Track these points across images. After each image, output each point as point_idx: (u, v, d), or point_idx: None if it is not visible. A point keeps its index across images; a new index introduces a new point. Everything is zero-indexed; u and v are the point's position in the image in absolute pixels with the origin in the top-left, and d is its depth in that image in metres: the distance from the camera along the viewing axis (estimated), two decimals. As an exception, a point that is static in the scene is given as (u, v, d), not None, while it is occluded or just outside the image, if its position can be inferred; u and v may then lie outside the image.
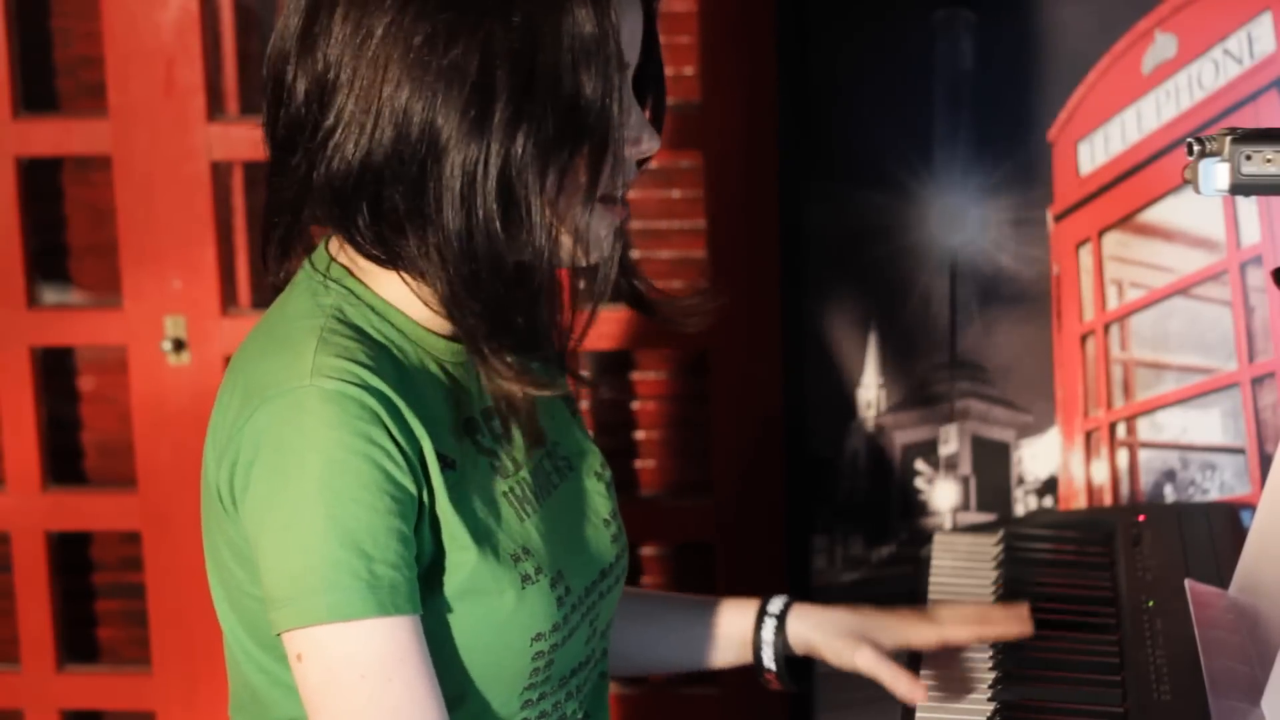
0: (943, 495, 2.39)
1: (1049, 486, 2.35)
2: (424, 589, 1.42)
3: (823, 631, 1.73)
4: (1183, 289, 2.27)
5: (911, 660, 1.74)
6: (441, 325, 1.48)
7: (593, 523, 1.60)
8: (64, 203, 2.94)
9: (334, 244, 1.50)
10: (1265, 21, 2.21)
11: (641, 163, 1.52)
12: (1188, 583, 1.78)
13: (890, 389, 2.39)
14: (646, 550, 2.89)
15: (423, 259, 1.41)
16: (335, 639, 1.37)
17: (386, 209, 1.40)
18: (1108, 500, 2.32)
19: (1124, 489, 2.31)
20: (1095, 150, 2.29)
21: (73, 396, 2.97)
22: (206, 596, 2.87)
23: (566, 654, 1.52)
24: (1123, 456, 2.31)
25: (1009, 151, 2.31)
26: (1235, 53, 2.22)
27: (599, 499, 1.63)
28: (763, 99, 2.55)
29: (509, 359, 1.43)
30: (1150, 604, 1.83)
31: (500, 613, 1.45)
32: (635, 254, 1.62)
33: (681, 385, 2.86)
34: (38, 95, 2.85)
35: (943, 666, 1.76)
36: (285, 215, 1.47)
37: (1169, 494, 2.30)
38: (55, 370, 2.92)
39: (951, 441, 2.38)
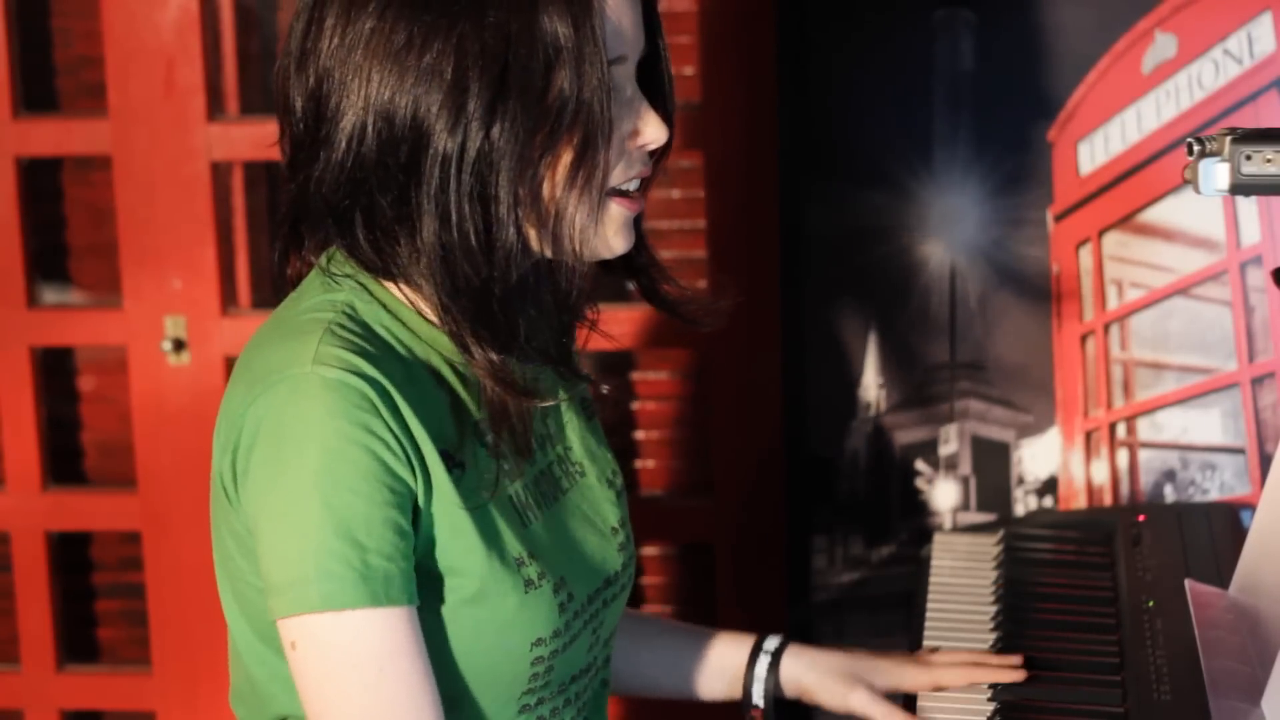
0: (943, 495, 2.39)
1: (1049, 486, 2.35)
2: (425, 590, 1.42)
3: (817, 672, 1.73)
4: (1183, 289, 2.27)
5: (905, 701, 1.74)
6: None
7: (600, 530, 1.60)
8: (64, 203, 2.94)
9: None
10: (1265, 21, 2.21)
11: (660, 156, 1.53)
12: (1188, 583, 1.79)
13: (890, 389, 2.39)
14: (647, 550, 2.89)
15: (413, 265, 1.42)
16: (328, 628, 1.37)
17: (377, 216, 1.42)
18: (1108, 500, 2.32)
19: (1124, 489, 2.31)
20: (1095, 150, 2.29)
21: (73, 396, 2.97)
22: (206, 596, 2.88)
23: (567, 660, 1.52)
24: (1123, 456, 2.31)
25: (1009, 151, 2.31)
26: (1235, 53, 2.22)
27: (608, 506, 1.63)
28: (763, 99, 2.55)
29: (497, 362, 1.43)
30: (1150, 604, 1.83)
31: (502, 617, 1.45)
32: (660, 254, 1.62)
33: (681, 385, 2.86)
34: (38, 95, 2.85)
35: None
36: (289, 228, 1.50)
37: (1169, 494, 2.30)
38: (55, 370, 2.92)
39: (951, 441, 2.38)
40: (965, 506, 2.38)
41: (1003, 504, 2.37)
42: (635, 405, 2.89)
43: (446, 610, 1.44)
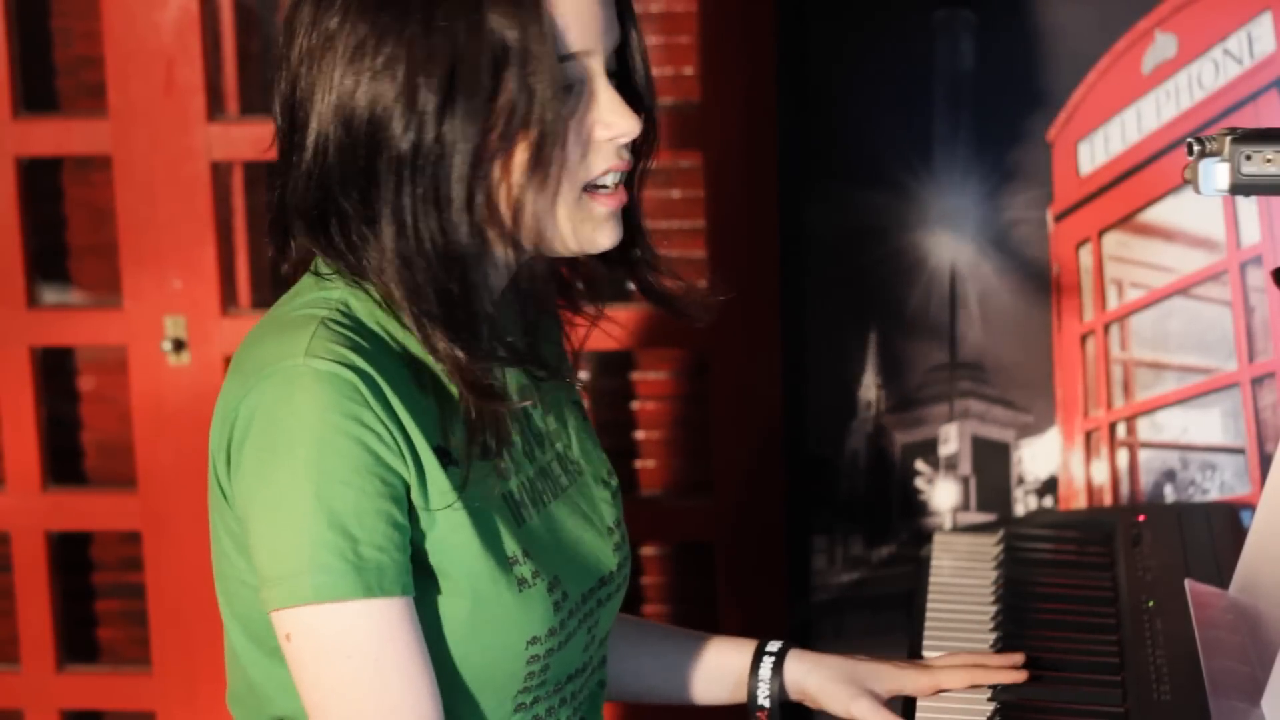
0: (943, 495, 2.39)
1: (1049, 486, 2.35)
2: (419, 587, 1.43)
3: (819, 676, 1.73)
4: (1183, 289, 2.28)
5: (906, 704, 1.74)
6: None
7: (595, 530, 1.60)
8: (64, 203, 2.94)
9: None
10: (1265, 21, 2.21)
11: (646, 149, 1.53)
12: (1188, 583, 1.79)
13: (890, 389, 2.39)
14: (646, 550, 2.89)
15: (380, 267, 1.43)
16: (322, 620, 1.38)
17: (343, 220, 1.44)
18: (1108, 500, 2.32)
19: (1124, 489, 2.32)
20: (1095, 150, 2.29)
21: (73, 396, 2.97)
22: (206, 596, 2.87)
23: (563, 660, 1.52)
24: (1123, 456, 2.31)
25: (1009, 151, 2.31)
26: (1235, 53, 2.22)
27: (604, 506, 1.63)
28: (763, 99, 2.55)
29: (463, 364, 1.43)
30: (1150, 604, 1.83)
31: (496, 615, 1.45)
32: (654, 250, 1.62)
33: (681, 385, 2.86)
34: (38, 95, 2.85)
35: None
36: (279, 235, 1.50)
37: (1169, 494, 2.30)
38: (55, 370, 2.92)
39: (951, 441, 2.38)
40: (965, 506, 2.38)
41: (1003, 504, 2.37)
42: (635, 405, 2.89)
43: (441, 607, 1.44)
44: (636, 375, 2.87)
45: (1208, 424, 2.27)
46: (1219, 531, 2.04)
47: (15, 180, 2.73)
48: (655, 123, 1.54)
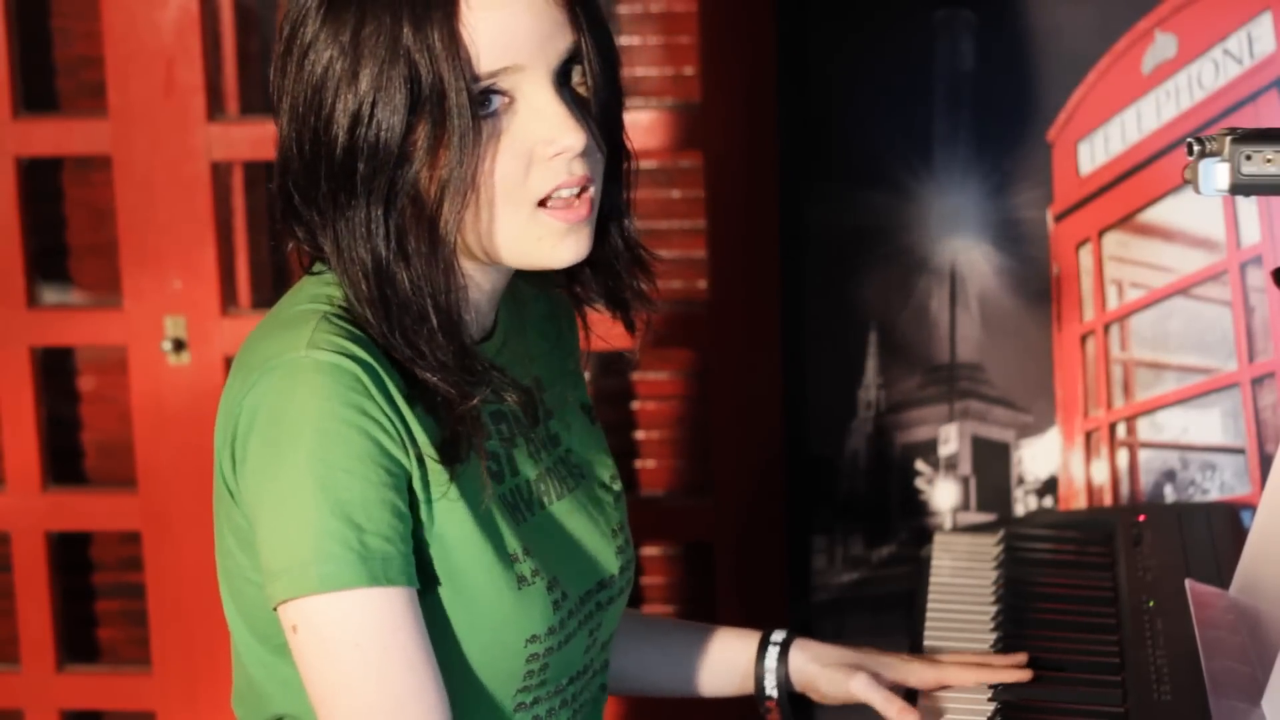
0: (943, 495, 2.39)
1: (1049, 486, 2.35)
2: (420, 581, 1.43)
3: (821, 662, 1.74)
4: (1183, 289, 2.28)
5: (908, 696, 1.74)
6: None
7: (598, 532, 1.60)
8: (64, 203, 2.94)
9: None
10: (1265, 21, 2.21)
11: (617, 159, 1.52)
12: (1188, 583, 1.79)
13: (890, 389, 2.39)
14: (647, 550, 2.89)
15: (336, 270, 1.46)
16: (329, 610, 1.38)
17: (308, 224, 1.47)
18: (1108, 500, 2.32)
19: (1124, 489, 2.32)
20: (1095, 150, 2.29)
21: (73, 396, 2.97)
22: (206, 596, 2.87)
23: (563, 660, 1.52)
24: (1123, 456, 2.31)
25: (1009, 151, 2.31)
26: (1235, 53, 2.22)
27: (607, 509, 1.63)
28: (763, 99, 2.55)
29: (430, 379, 1.43)
30: (1150, 604, 1.83)
31: (495, 611, 1.45)
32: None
33: (681, 385, 2.86)
34: (38, 95, 2.85)
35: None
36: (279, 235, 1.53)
37: (1169, 494, 2.30)
38: (55, 370, 2.92)
39: (951, 441, 2.38)
40: (965, 506, 2.38)
41: (1003, 504, 2.37)
42: (635, 405, 2.89)
43: (440, 603, 1.44)
44: (636, 375, 2.87)
45: (1208, 424, 2.27)
46: (1219, 531, 2.04)
47: (15, 180, 2.73)
48: (618, 127, 1.52)
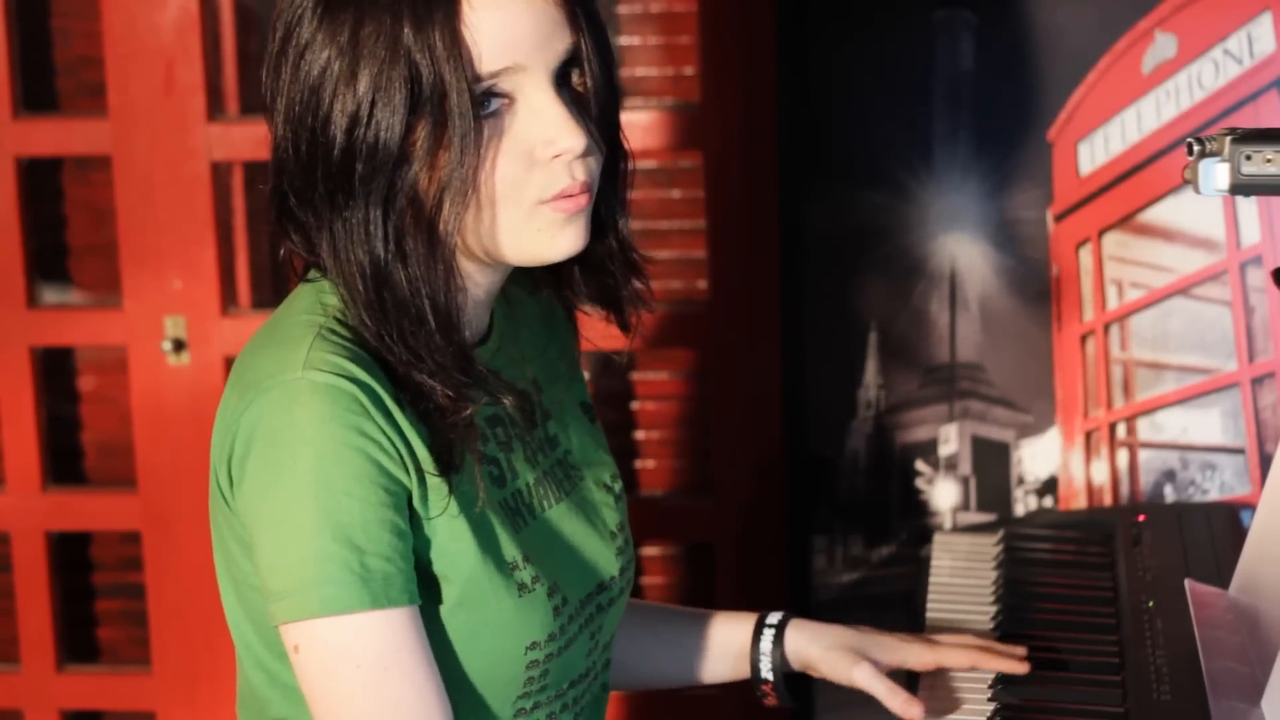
0: (943, 495, 2.39)
1: (1049, 486, 2.35)
2: (420, 592, 1.42)
3: (820, 645, 1.72)
4: (1183, 289, 2.27)
5: (909, 679, 1.74)
6: None
7: (598, 533, 1.60)
8: (64, 203, 2.94)
9: None
10: (1265, 21, 2.21)
11: (615, 160, 1.51)
12: (1188, 583, 1.79)
13: (890, 389, 2.39)
14: (647, 550, 2.89)
15: (330, 272, 1.45)
16: (330, 632, 1.37)
17: (304, 226, 1.45)
18: (1108, 500, 2.32)
19: (1124, 489, 2.31)
20: (1095, 150, 2.29)
21: (73, 396, 2.97)
22: (206, 596, 2.87)
23: (564, 665, 1.52)
24: (1123, 456, 2.31)
25: (1009, 151, 2.31)
26: (1235, 53, 2.22)
27: (606, 510, 1.62)
28: (763, 99, 2.55)
29: (427, 383, 1.43)
30: (1150, 604, 1.83)
31: (495, 620, 1.45)
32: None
33: (681, 385, 2.86)
34: (38, 95, 2.85)
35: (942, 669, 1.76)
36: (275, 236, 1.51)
37: (1169, 494, 2.30)
38: (55, 370, 2.92)
39: (951, 441, 2.38)
40: (965, 506, 2.38)
41: (1003, 504, 2.37)
42: (635, 405, 2.89)
43: (441, 613, 1.44)
44: (636, 375, 2.87)
45: (1208, 424, 2.27)
46: (1219, 531, 2.04)
47: (15, 180, 2.73)
48: (616, 127, 1.51)
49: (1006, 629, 1.84)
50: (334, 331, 1.43)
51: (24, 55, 2.77)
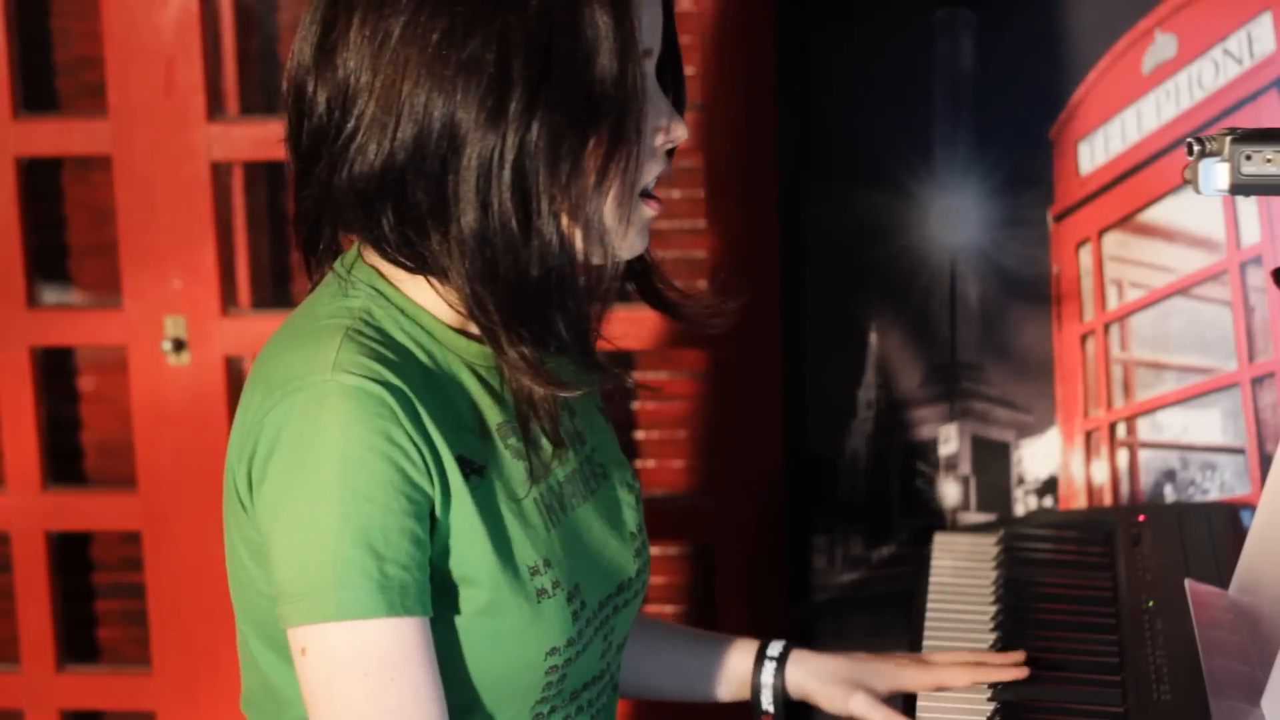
0: (943, 495, 2.39)
1: (1049, 486, 2.35)
2: (441, 599, 1.42)
3: (819, 679, 1.74)
4: (1183, 289, 2.28)
5: (906, 704, 1.74)
6: (474, 328, 1.47)
7: (620, 534, 1.59)
8: (64, 203, 2.94)
9: (365, 247, 1.50)
10: (1265, 21, 2.21)
11: (671, 154, 1.52)
12: (1188, 583, 1.79)
13: (890, 389, 2.39)
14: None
15: (444, 257, 1.41)
16: (342, 637, 1.37)
17: (409, 209, 1.40)
18: (1108, 500, 2.32)
19: (1124, 489, 2.32)
20: (1095, 150, 2.29)
21: (73, 396, 2.97)
22: (206, 596, 2.88)
23: (580, 668, 1.52)
24: (1123, 456, 2.31)
25: (1009, 151, 2.31)
26: (1235, 53, 2.22)
27: (628, 510, 1.62)
28: (763, 99, 2.55)
29: (528, 353, 1.43)
30: (1150, 604, 1.83)
31: (515, 626, 1.44)
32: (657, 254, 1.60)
33: (682, 385, 2.86)
34: (38, 95, 2.85)
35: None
36: (312, 223, 1.48)
37: (1169, 494, 2.30)
38: (55, 370, 2.92)
39: (951, 441, 2.38)
40: (965, 506, 2.38)
41: (1003, 504, 2.37)
42: (635, 405, 2.89)
43: (461, 620, 1.43)
44: (637, 375, 2.87)
45: (1208, 424, 2.27)
46: (1219, 531, 2.04)
47: (15, 180, 2.73)
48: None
49: (1006, 629, 1.84)
50: (361, 333, 1.42)
51: (24, 55, 2.77)
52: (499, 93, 1.36)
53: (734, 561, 2.70)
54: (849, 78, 2.33)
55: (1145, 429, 2.30)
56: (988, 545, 2.07)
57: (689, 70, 2.72)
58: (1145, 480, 2.31)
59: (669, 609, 2.90)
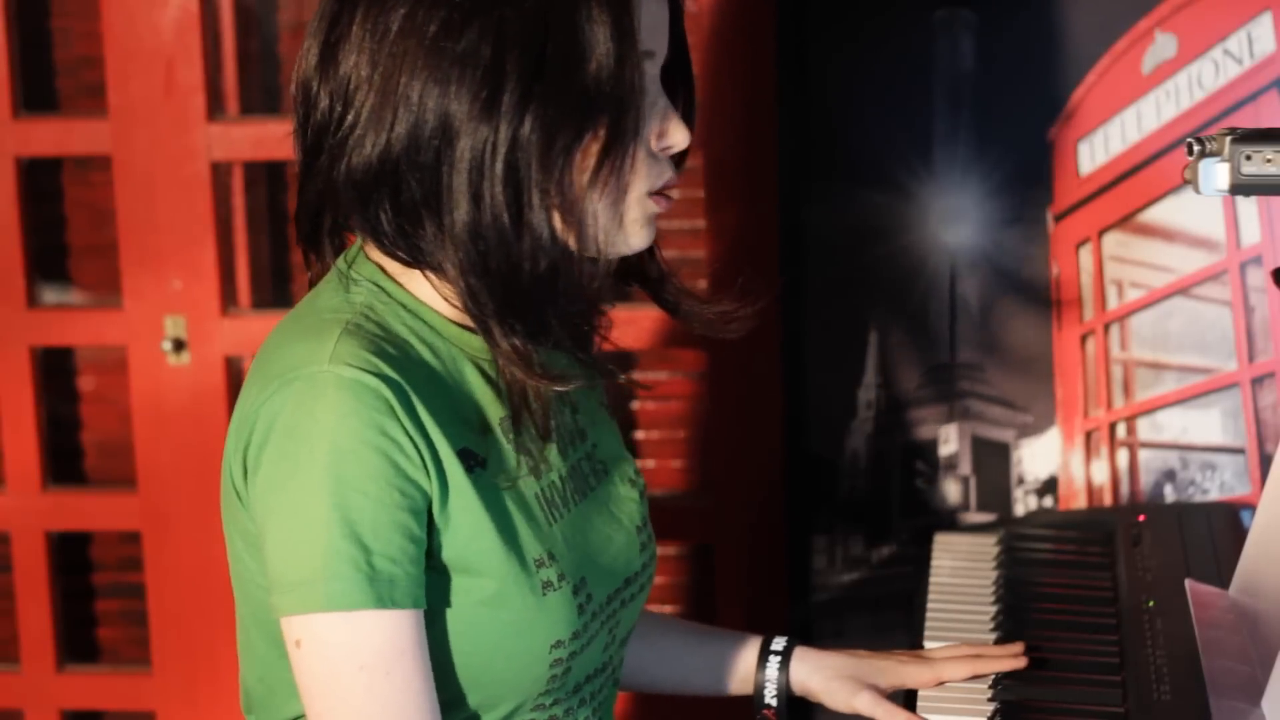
0: (943, 495, 2.39)
1: (1049, 486, 2.35)
2: (445, 592, 1.42)
3: (821, 675, 1.74)
4: (1183, 289, 2.28)
5: (907, 696, 1.74)
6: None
7: (624, 529, 1.59)
8: (64, 203, 2.94)
9: (367, 244, 1.50)
10: (1265, 21, 2.21)
11: (680, 160, 1.52)
12: (1188, 583, 1.79)
13: (890, 389, 2.39)
14: (646, 550, 2.89)
15: (439, 249, 1.41)
16: (333, 629, 1.37)
17: (405, 200, 1.41)
18: (1108, 500, 2.32)
19: (1124, 489, 2.32)
20: (1095, 150, 2.29)
21: (73, 396, 2.97)
22: (206, 596, 2.88)
23: (584, 661, 1.52)
24: (1123, 456, 2.31)
25: (1009, 151, 2.31)
26: (1235, 53, 2.22)
27: (632, 505, 1.62)
28: (763, 99, 2.55)
29: (519, 345, 1.43)
30: (1150, 604, 1.83)
31: (520, 619, 1.45)
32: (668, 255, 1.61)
33: (682, 385, 2.86)
34: (38, 95, 2.85)
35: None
36: (313, 217, 1.48)
37: (1169, 494, 2.30)
38: (55, 370, 2.92)
39: (951, 441, 2.38)
40: (965, 506, 2.38)
41: (1003, 504, 2.37)
42: (635, 405, 2.89)
43: (467, 611, 1.43)
44: (637, 375, 2.87)
45: (1208, 424, 2.27)
46: (1219, 531, 2.04)
47: (15, 180, 2.73)
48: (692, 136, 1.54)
49: (1006, 629, 1.84)
50: (360, 327, 1.42)
51: (24, 55, 2.77)
52: (493, 85, 1.37)
53: (734, 561, 2.70)
54: (849, 78, 2.33)
55: (1145, 429, 2.30)
56: (988, 545, 2.07)
57: (689, 70, 2.72)
58: (1145, 480, 2.31)
59: (669, 609, 2.90)
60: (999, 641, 1.81)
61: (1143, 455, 2.31)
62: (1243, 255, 2.24)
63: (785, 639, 1.77)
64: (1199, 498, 2.28)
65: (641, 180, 1.45)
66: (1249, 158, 1.42)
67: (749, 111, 2.59)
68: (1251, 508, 1.95)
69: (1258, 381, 2.25)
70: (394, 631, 1.38)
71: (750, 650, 1.77)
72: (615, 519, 1.59)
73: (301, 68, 1.46)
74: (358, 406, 1.37)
